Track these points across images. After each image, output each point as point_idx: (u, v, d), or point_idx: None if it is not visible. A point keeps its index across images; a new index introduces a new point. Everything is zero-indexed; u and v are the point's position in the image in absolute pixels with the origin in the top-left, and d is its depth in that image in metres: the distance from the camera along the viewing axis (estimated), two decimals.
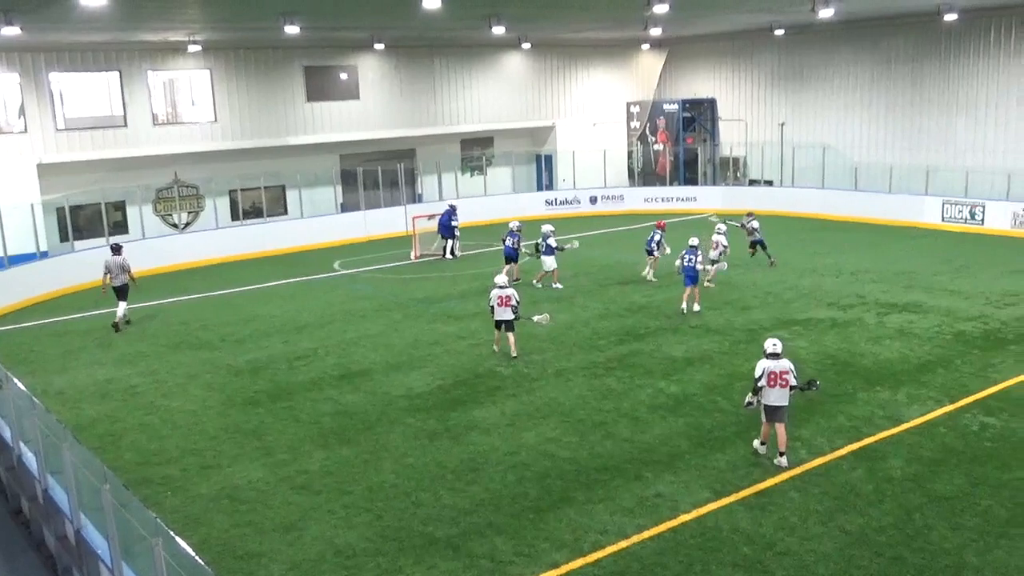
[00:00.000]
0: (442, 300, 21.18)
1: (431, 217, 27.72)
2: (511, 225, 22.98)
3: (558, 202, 34.88)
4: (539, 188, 37.56)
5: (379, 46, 31.06)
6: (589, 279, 22.78)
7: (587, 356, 16.17)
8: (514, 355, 16.08)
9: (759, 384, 11.16)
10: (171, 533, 7.26)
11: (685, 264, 18.87)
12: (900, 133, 31.47)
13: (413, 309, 20.48)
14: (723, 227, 21.60)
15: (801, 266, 23.20)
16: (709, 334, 17.31)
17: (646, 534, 9.68)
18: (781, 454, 11.26)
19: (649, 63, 39.03)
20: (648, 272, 22.13)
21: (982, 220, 27.91)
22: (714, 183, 37.13)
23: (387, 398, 14.40)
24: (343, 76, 32.42)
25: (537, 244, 22.32)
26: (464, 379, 15.16)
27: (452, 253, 26.71)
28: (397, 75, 33.24)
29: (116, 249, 20.38)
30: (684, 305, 18.83)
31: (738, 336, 16.93)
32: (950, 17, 26.71)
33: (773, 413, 11.26)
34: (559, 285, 21.84)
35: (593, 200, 35.23)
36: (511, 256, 22.39)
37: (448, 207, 27.20)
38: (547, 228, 22.16)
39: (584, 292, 21.36)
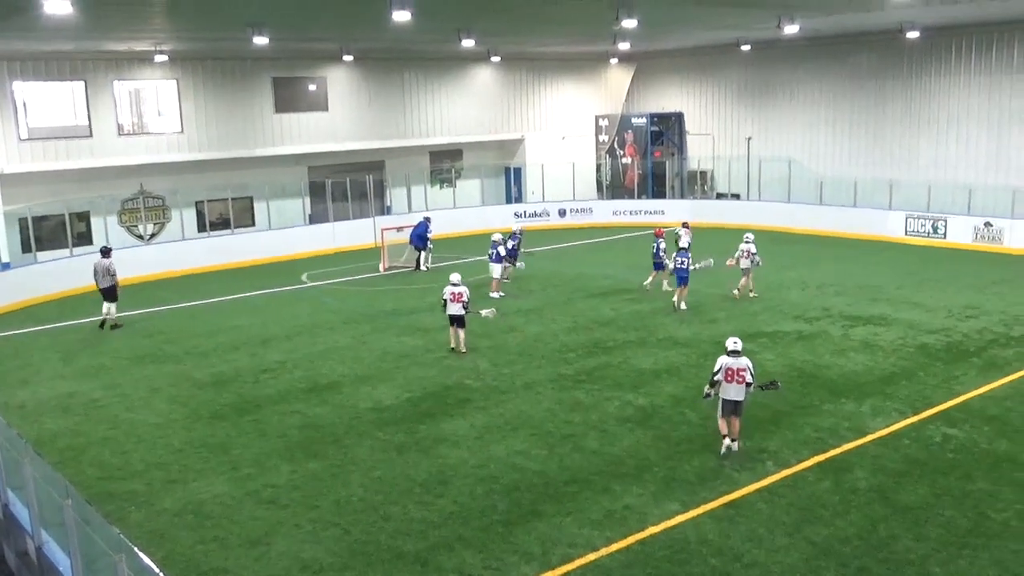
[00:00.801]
0: (411, 313, 21.10)
1: (400, 229, 27.66)
2: (514, 229, 24.31)
3: (527, 215, 34.88)
4: (508, 201, 37.57)
5: (348, 58, 30.96)
6: (558, 292, 22.84)
7: (556, 369, 16.19)
8: (463, 351, 16.85)
9: (715, 378, 11.72)
10: (135, 549, 7.17)
11: (677, 266, 20.14)
12: (864, 148, 31.96)
13: (381, 321, 20.40)
14: (750, 235, 21.75)
15: (767, 279, 23.36)
16: (676, 347, 17.43)
17: (615, 547, 9.69)
18: (733, 440, 11.80)
19: (617, 77, 39.31)
20: (657, 281, 22.17)
21: (944, 234, 28.39)
22: (682, 196, 37.43)
23: (355, 411, 14.31)
24: (312, 87, 32.27)
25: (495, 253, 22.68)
26: (433, 392, 15.12)
27: (423, 265, 26.64)
28: (366, 87, 33.17)
29: (105, 252, 20.79)
30: (675, 300, 20.34)
31: (705, 348, 17.03)
32: (912, 35, 27.14)
33: (729, 408, 11.76)
34: (496, 295, 21.94)
35: (562, 213, 35.36)
36: (511, 257, 23.33)
37: (423, 219, 27.17)
38: (497, 236, 22.78)
39: (553, 305, 21.40)
